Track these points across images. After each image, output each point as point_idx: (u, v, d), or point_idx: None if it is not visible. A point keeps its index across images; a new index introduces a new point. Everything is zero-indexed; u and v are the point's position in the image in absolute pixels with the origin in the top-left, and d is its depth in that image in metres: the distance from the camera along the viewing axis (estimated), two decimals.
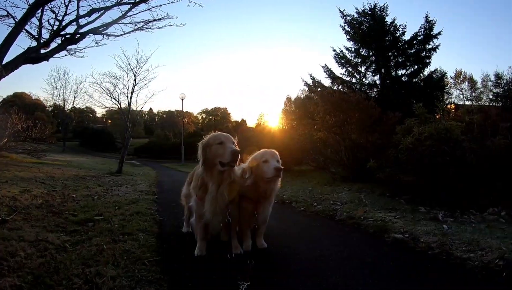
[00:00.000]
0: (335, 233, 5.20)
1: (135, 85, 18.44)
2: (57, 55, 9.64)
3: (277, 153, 4.07)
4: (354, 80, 17.37)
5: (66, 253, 3.71)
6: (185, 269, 3.50)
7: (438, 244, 4.21)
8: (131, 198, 7.81)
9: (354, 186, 9.22)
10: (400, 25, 16.86)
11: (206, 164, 3.75)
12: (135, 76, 18.39)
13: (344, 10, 17.40)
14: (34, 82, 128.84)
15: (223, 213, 3.80)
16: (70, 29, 9.83)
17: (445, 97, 19.10)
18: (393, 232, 4.87)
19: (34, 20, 9.38)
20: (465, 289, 3.09)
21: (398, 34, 16.80)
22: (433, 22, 16.17)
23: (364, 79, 17.24)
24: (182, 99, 42.19)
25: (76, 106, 56.04)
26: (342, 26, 17.48)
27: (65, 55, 10.20)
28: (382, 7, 17.08)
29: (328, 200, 7.50)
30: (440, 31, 16.13)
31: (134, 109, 19.42)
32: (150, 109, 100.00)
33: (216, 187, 3.73)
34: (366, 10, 17.24)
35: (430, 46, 16.30)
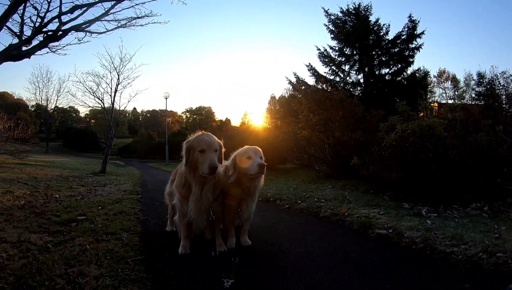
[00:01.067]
0: (319, 230, 5.21)
1: (119, 84, 18.48)
2: (38, 52, 9.55)
3: (260, 149, 4.02)
4: (338, 78, 17.41)
5: (49, 254, 3.67)
6: (169, 267, 3.48)
7: (422, 239, 4.26)
8: (114, 197, 7.76)
9: (338, 183, 9.28)
10: (384, 25, 16.94)
11: (190, 165, 3.72)
12: (118, 75, 18.41)
13: (328, 10, 17.42)
14: (16, 81, 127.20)
15: (207, 211, 3.79)
16: (52, 26, 9.74)
17: (428, 96, 19.30)
18: (377, 228, 4.91)
19: (16, 17, 9.26)
20: (449, 282, 3.10)
21: (382, 34, 16.87)
22: (417, 21, 16.27)
23: (348, 78, 17.29)
24: (166, 98, 42.17)
25: (59, 106, 55.46)
26: (326, 25, 17.50)
27: (47, 53, 10.12)
28: (366, 6, 17.13)
29: (312, 197, 7.52)
30: (423, 31, 16.24)
31: (118, 108, 19.34)
32: (134, 108, 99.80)
33: (199, 188, 3.71)
34: (350, 10, 17.28)
35: (413, 45, 16.38)
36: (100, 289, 2.85)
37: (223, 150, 3.92)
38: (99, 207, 6.41)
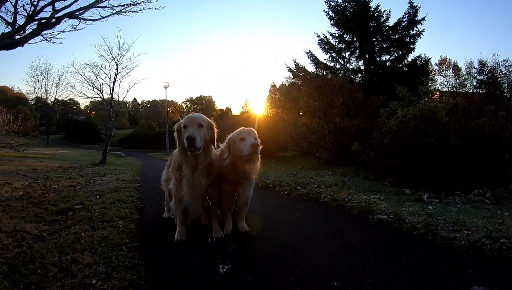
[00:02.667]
0: (319, 216, 5.15)
1: (117, 74, 18.37)
2: (32, 40, 9.45)
3: (254, 131, 3.95)
4: (338, 65, 17.30)
5: (44, 242, 3.62)
6: (164, 254, 3.42)
7: (424, 224, 4.20)
8: (113, 187, 7.71)
9: (338, 170, 9.22)
10: (384, 11, 16.77)
11: (181, 147, 3.66)
12: (117, 65, 18.31)
13: None
14: (15, 75, 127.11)
15: (203, 197, 3.72)
16: (46, 14, 9.61)
17: (430, 84, 19.14)
18: (377, 213, 4.85)
19: (9, 5, 9.16)
20: (452, 268, 3.03)
21: (382, 20, 16.72)
22: (417, 7, 16.09)
23: (348, 65, 17.18)
24: (166, 88, 41.87)
25: (59, 98, 55.32)
26: (326, 12, 17.35)
27: (41, 41, 10.02)
28: None
29: (312, 183, 7.46)
30: (424, 17, 16.07)
31: (117, 98, 19.24)
32: (134, 99, 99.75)
33: (190, 169, 3.64)
34: None
35: (414, 32, 16.24)
36: (93, 276, 2.79)
37: (216, 130, 3.81)
38: (97, 196, 6.36)
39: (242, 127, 4.02)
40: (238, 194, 3.98)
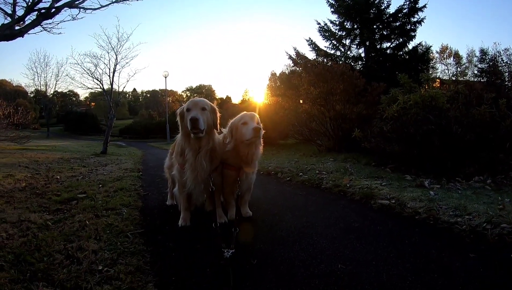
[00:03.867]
0: (321, 201, 5.17)
1: (117, 64, 18.37)
2: (32, 31, 9.41)
3: (256, 115, 3.96)
4: (338, 53, 17.28)
5: (48, 231, 3.63)
6: (169, 240, 3.45)
7: (425, 209, 4.21)
8: (115, 176, 7.73)
9: (340, 156, 9.23)
10: None
11: (184, 131, 3.66)
12: (116, 55, 18.28)
13: None
14: (14, 68, 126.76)
15: (206, 182, 3.74)
16: (45, 4, 9.56)
17: (431, 72, 19.12)
18: (379, 199, 4.87)
19: None
20: (453, 252, 3.05)
21: (383, 7, 16.65)
22: None
23: (348, 52, 17.16)
24: (166, 77, 41.90)
25: (59, 90, 55.17)
26: None
27: (41, 31, 9.97)
28: None
29: (314, 170, 7.48)
30: (425, 4, 16.01)
31: (117, 88, 19.21)
32: (134, 89, 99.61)
33: (193, 153, 3.64)
34: None
35: (415, 19, 16.19)
36: (99, 262, 2.81)
37: (218, 114, 3.80)
38: (100, 185, 6.38)
39: (245, 112, 4.02)
40: (241, 179, 3.99)
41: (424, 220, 4.02)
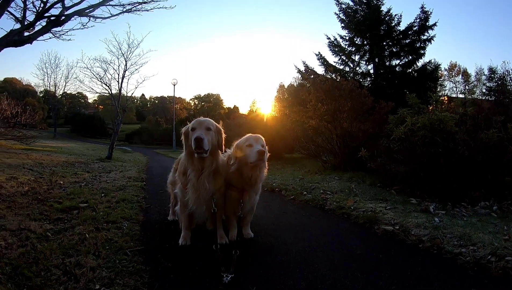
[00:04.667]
0: (324, 223, 5.11)
1: (126, 70, 18.42)
2: (41, 38, 9.47)
3: (262, 138, 3.93)
4: (347, 68, 17.23)
5: (48, 243, 3.62)
6: (168, 259, 3.40)
7: (429, 237, 4.14)
8: (118, 184, 7.73)
9: (345, 175, 9.16)
10: (395, 15, 16.68)
11: (188, 151, 3.64)
12: (126, 61, 18.35)
13: None
14: (25, 67, 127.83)
15: (208, 203, 3.70)
16: (56, 11, 9.62)
17: (439, 89, 19.05)
18: (383, 224, 4.80)
19: (19, 1, 9.18)
20: (456, 285, 2.98)
21: (393, 24, 16.63)
22: (429, 12, 15.98)
23: (357, 68, 17.11)
24: (174, 85, 42.26)
25: (68, 92, 55.64)
26: (337, 14, 17.29)
27: (50, 38, 10.09)
28: None
29: (318, 189, 7.42)
30: (435, 22, 15.97)
31: (125, 94, 19.26)
32: (143, 94, 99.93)
33: (196, 174, 3.61)
34: None
35: (425, 37, 16.13)
36: (96, 280, 2.78)
37: (223, 135, 3.79)
38: (102, 194, 6.38)
39: (250, 134, 3.99)
40: (244, 201, 3.95)
41: (428, 249, 3.95)
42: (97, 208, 5.22)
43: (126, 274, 2.93)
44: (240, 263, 3.20)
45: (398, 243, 4.22)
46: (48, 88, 51.00)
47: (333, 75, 16.23)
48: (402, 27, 16.48)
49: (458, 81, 54.37)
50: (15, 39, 8.65)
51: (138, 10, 10.87)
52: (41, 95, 67.19)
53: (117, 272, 2.96)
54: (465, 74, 53.45)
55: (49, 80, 49.13)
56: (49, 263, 3.05)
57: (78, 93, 72.14)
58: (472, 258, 3.50)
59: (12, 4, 8.77)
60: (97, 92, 19.88)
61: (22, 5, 9.23)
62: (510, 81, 14.25)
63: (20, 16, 9.18)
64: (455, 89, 53.28)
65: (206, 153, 3.46)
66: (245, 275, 3.05)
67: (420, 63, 16.30)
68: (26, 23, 9.15)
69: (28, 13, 9.37)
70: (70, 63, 56.57)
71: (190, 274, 3.10)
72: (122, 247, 3.59)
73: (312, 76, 16.17)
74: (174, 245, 3.83)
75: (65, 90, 52.63)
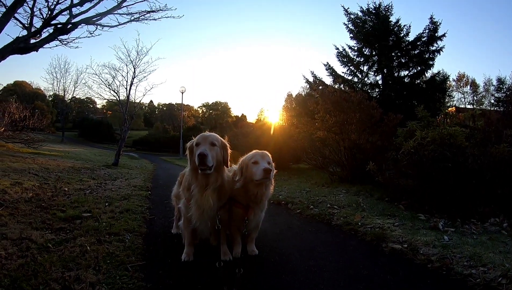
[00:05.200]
0: (330, 240, 4.99)
1: (135, 77, 18.44)
2: (47, 45, 9.47)
3: (268, 154, 3.87)
4: (356, 79, 17.23)
5: (48, 254, 3.56)
6: (169, 276, 3.32)
7: (438, 257, 4.02)
8: (123, 193, 7.67)
9: (353, 188, 9.04)
10: (404, 26, 16.71)
11: (192, 166, 3.58)
12: (134, 68, 18.38)
13: (348, 8, 17.29)
14: (35, 71, 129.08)
15: (212, 219, 3.63)
16: (63, 19, 9.64)
17: (447, 100, 18.93)
18: (391, 241, 4.69)
19: (26, 8, 9.20)
20: None
21: (402, 35, 16.63)
22: (438, 23, 15.98)
23: (366, 79, 17.10)
24: (182, 93, 42.37)
25: (76, 96, 56.05)
26: (345, 24, 17.34)
27: (56, 46, 10.09)
28: (387, 6, 16.92)
29: (325, 203, 7.30)
30: (444, 33, 15.97)
31: (133, 101, 19.28)
32: (151, 101, 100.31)
33: (199, 190, 3.53)
34: (371, 9, 17.09)
35: (434, 48, 16.13)
36: None
37: (229, 151, 3.69)
38: (106, 204, 6.33)
39: (256, 150, 3.94)
40: (249, 218, 3.89)
41: (436, 269, 3.83)
42: (100, 218, 5.16)
43: None
44: (244, 282, 3.11)
45: (406, 262, 4.10)
46: (57, 92, 51.51)
47: (342, 86, 16.19)
48: (411, 37, 16.55)
49: (466, 92, 54.22)
50: (21, 46, 8.65)
51: (146, 19, 10.89)
52: (50, 99, 67.72)
53: (117, 289, 2.90)
54: (474, 85, 53.35)
55: (58, 85, 49.63)
56: (48, 277, 2.99)
57: (87, 98, 72.74)
58: (482, 280, 3.38)
59: (20, 10, 8.79)
60: (105, 99, 19.93)
61: (29, 11, 9.27)
62: None
63: (26, 23, 9.21)
64: (463, 99, 53.14)
65: (210, 169, 3.39)
66: None
67: (428, 74, 16.37)
68: (32, 30, 9.16)
69: (35, 20, 9.42)
70: (80, 68, 57.11)
71: None
72: (124, 261, 3.51)
73: (321, 87, 16.18)
74: (177, 261, 3.75)
75: (74, 95, 53.12)
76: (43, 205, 5.70)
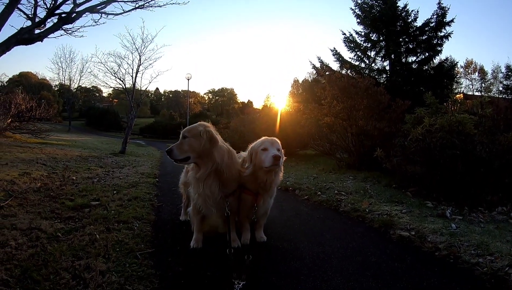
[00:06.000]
0: (338, 227, 4.98)
1: (140, 64, 18.41)
2: (52, 35, 9.46)
3: (278, 141, 3.81)
4: (363, 64, 17.10)
5: (58, 243, 3.59)
6: (179, 263, 3.34)
7: (446, 245, 4.01)
8: (131, 181, 7.71)
9: (360, 175, 9.01)
10: (412, 11, 16.50)
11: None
12: (140, 56, 18.33)
13: None
14: (41, 61, 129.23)
15: (219, 206, 3.63)
16: (67, 8, 9.61)
17: (455, 87, 18.78)
18: (399, 229, 4.67)
19: None
20: None
21: (409, 20, 16.44)
22: (446, 9, 15.78)
23: (373, 64, 16.97)
24: (188, 79, 42.44)
25: (82, 85, 56.12)
26: (352, 9, 17.17)
27: (61, 35, 10.05)
28: None
29: (333, 189, 7.29)
30: (453, 19, 15.78)
31: (139, 89, 19.29)
32: (157, 88, 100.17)
33: (198, 180, 3.60)
34: None
35: (442, 34, 15.96)
36: (105, 285, 2.74)
37: (213, 136, 3.58)
38: (114, 192, 6.36)
39: (265, 137, 3.88)
40: (258, 205, 3.87)
41: (444, 257, 3.82)
42: (108, 207, 5.19)
43: (136, 279, 2.89)
44: (253, 269, 3.13)
45: (413, 250, 4.09)
46: (63, 82, 51.58)
47: (349, 71, 16.07)
48: (418, 23, 16.35)
49: (475, 79, 53.63)
50: (25, 37, 8.65)
51: (151, 6, 10.84)
52: (56, 89, 67.82)
53: (127, 276, 2.91)
54: (482, 72, 52.74)
55: (64, 74, 49.60)
56: (58, 266, 3.02)
57: (93, 87, 72.79)
58: (490, 269, 3.36)
59: (23, 1, 8.77)
60: (111, 87, 19.97)
61: (33, 1, 9.23)
62: None
63: (30, 14, 9.18)
64: (471, 86, 52.60)
65: (185, 161, 3.61)
66: (256, 283, 2.98)
67: (436, 60, 16.16)
68: (36, 20, 9.14)
69: (38, 10, 9.37)
70: (85, 57, 57.26)
71: (201, 280, 3.03)
72: (133, 249, 3.55)
73: (328, 73, 16.04)
74: (186, 248, 3.77)
75: (80, 84, 53.11)
76: (51, 195, 5.73)
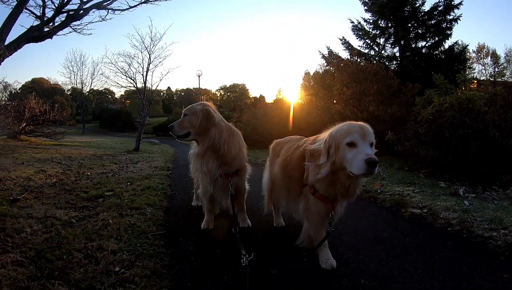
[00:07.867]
0: (350, 207, 4.93)
1: (150, 63, 18.50)
2: (61, 32, 9.60)
3: (370, 130, 2.68)
4: (372, 52, 16.97)
5: (72, 228, 3.65)
6: (189, 242, 3.39)
7: (459, 221, 3.99)
8: (145, 174, 7.79)
9: None
10: None
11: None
12: (149, 54, 18.43)
13: None
14: (52, 66, 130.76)
15: (224, 185, 3.68)
16: (74, 6, 9.72)
17: (467, 72, 18.50)
18: (410, 207, 4.67)
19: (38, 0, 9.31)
20: (486, 271, 2.81)
21: (417, 5, 16.26)
22: None
23: (383, 51, 16.83)
24: (199, 76, 42.43)
25: (94, 88, 56.64)
26: None
27: (70, 32, 10.20)
28: None
29: None
30: (461, 1, 15.55)
31: (150, 87, 19.42)
32: (168, 87, 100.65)
33: (196, 157, 3.77)
34: None
35: (451, 17, 15.77)
36: (116, 263, 2.77)
37: (210, 114, 3.63)
38: (128, 183, 6.42)
39: (350, 122, 2.81)
40: (335, 212, 2.96)
41: (457, 232, 3.80)
42: (122, 196, 5.25)
43: (146, 257, 2.92)
44: (262, 246, 3.22)
45: (426, 226, 4.09)
46: (75, 86, 52.12)
47: (358, 59, 15.96)
48: (427, 7, 16.19)
49: (487, 63, 52.65)
50: (35, 34, 8.78)
51: (157, 0, 10.87)
52: (68, 93, 68.57)
53: (138, 255, 2.96)
54: (494, 56, 51.68)
55: (75, 78, 50.32)
56: (71, 247, 3.07)
57: (105, 89, 73.53)
58: (504, 242, 3.33)
59: (31, 3, 8.92)
60: (122, 86, 20.11)
61: (41, 3, 9.36)
62: None
63: (39, 13, 9.32)
64: (484, 71, 51.65)
65: (186, 137, 3.79)
66: (266, 258, 3.03)
67: (447, 44, 16.02)
68: (45, 19, 9.27)
69: (46, 10, 9.50)
70: (95, 60, 57.79)
71: (210, 256, 3.07)
72: (144, 231, 3.60)
73: (337, 61, 15.97)
74: (197, 229, 3.82)
75: (92, 87, 53.65)
76: (66, 188, 5.79)
